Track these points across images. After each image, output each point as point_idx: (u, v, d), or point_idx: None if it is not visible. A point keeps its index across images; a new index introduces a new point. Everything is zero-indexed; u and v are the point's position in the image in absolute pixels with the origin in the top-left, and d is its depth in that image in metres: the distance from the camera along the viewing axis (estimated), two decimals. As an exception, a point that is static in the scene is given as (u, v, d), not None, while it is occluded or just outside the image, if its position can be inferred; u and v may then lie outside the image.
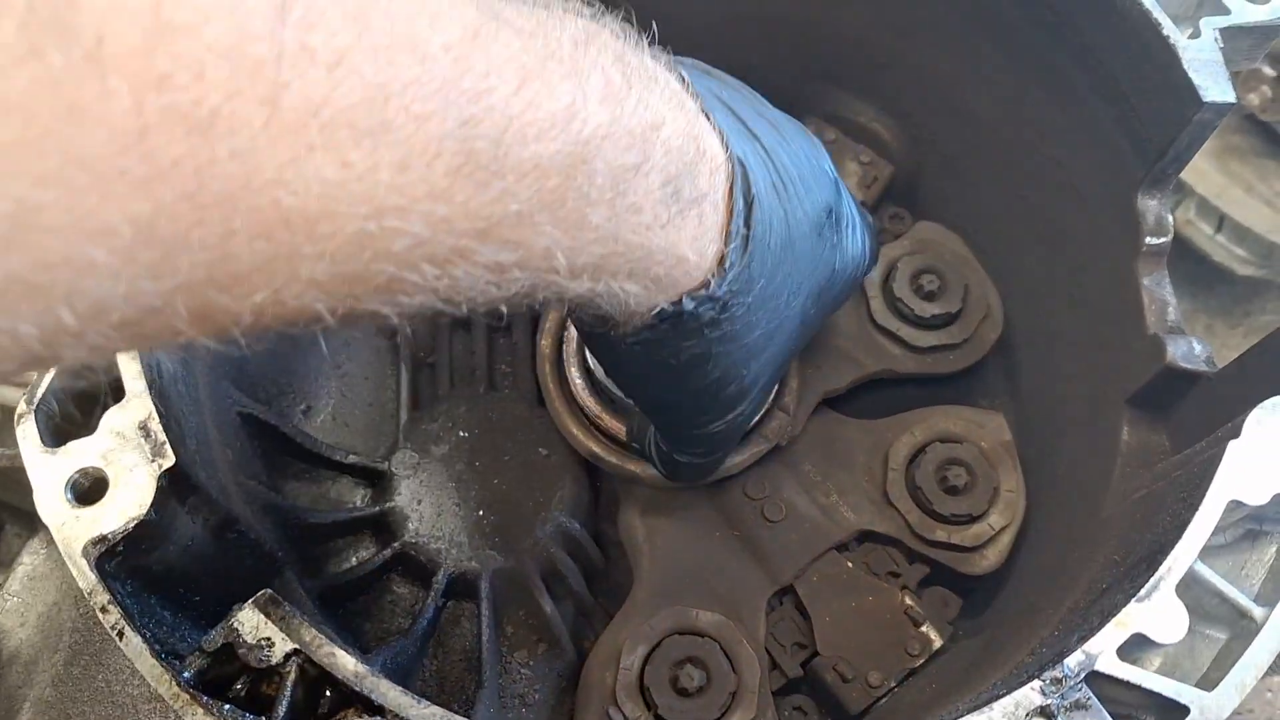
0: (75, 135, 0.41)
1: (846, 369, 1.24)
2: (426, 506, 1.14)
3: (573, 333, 1.16)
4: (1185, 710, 0.77)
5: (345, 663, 0.75)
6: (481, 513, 1.14)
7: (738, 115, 0.83)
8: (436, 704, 0.76)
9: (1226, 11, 1.02)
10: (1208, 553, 0.85)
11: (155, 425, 0.81)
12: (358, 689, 0.74)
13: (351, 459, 1.15)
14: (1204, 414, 0.96)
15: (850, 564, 1.16)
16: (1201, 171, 1.73)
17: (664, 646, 1.07)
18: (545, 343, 1.18)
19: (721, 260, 0.76)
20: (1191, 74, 0.97)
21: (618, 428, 1.13)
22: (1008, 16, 1.16)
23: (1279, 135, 1.79)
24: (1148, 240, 1.06)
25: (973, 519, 1.16)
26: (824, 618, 1.13)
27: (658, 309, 0.75)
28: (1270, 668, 1.67)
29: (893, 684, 1.11)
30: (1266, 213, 1.75)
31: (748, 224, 0.77)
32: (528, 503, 1.15)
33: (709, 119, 0.75)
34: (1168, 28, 0.99)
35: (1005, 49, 1.19)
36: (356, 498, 1.18)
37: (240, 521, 0.94)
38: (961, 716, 0.75)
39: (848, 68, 1.34)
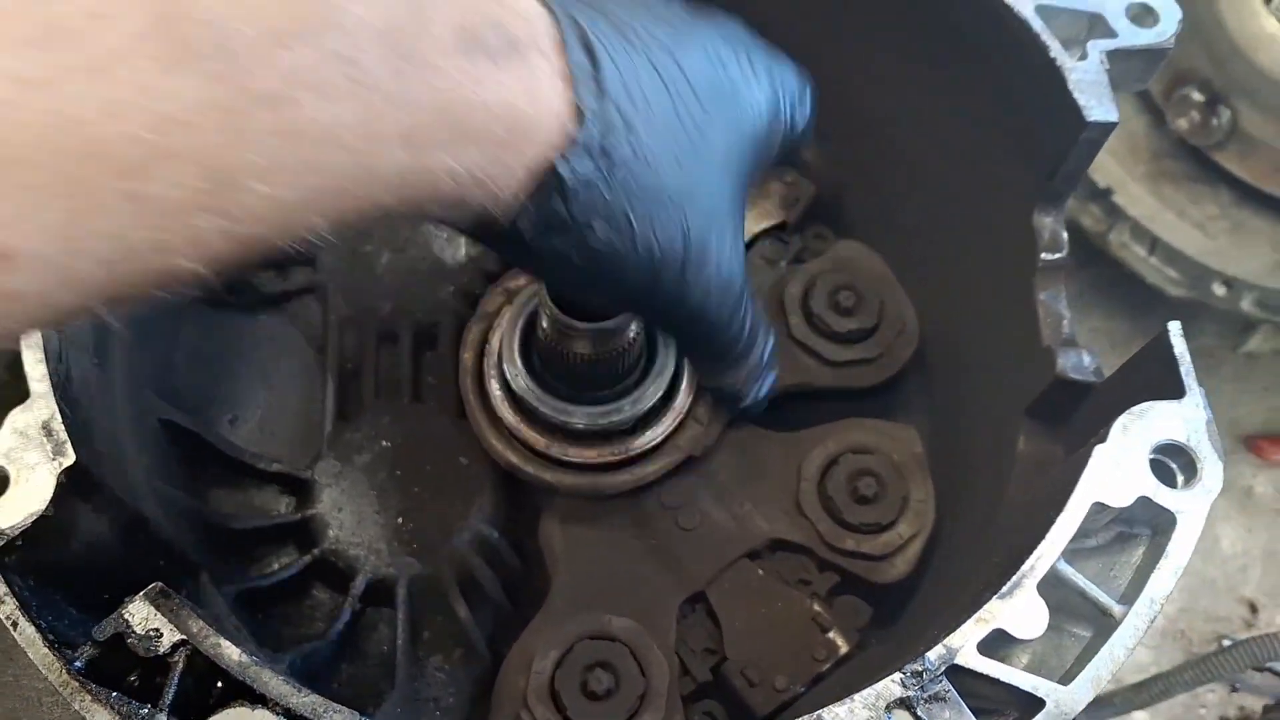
0: None
1: (764, 382, 1.27)
2: (347, 514, 1.16)
3: (494, 345, 1.19)
4: (1041, 703, 0.79)
5: (230, 653, 0.78)
6: (401, 520, 1.17)
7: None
8: (350, 706, 0.79)
9: (1114, 35, 1.06)
10: (1080, 555, 0.88)
11: (58, 426, 0.84)
12: (241, 678, 0.77)
13: (275, 467, 1.18)
14: (1091, 423, 0.99)
15: (761, 571, 1.19)
16: (1134, 195, 1.78)
17: (575, 651, 1.10)
18: (468, 356, 1.21)
19: (579, 111, 0.70)
20: (1076, 94, 1.01)
21: (536, 438, 1.16)
22: (920, 40, 1.20)
23: (1210, 159, 1.83)
24: (1043, 256, 1.09)
25: (882, 528, 1.19)
26: (734, 624, 1.16)
27: (532, 187, 0.70)
28: (1194, 680, 1.69)
29: (799, 688, 1.13)
30: (1197, 236, 1.79)
31: (594, 63, 0.71)
32: (447, 511, 1.18)
33: None
34: (1055, 50, 1.03)
35: (918, 71, 1.22)
36: (280, 505, 1.21)
37: (151, 523, 0.97)
38: (824, 708, 0.78)
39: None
